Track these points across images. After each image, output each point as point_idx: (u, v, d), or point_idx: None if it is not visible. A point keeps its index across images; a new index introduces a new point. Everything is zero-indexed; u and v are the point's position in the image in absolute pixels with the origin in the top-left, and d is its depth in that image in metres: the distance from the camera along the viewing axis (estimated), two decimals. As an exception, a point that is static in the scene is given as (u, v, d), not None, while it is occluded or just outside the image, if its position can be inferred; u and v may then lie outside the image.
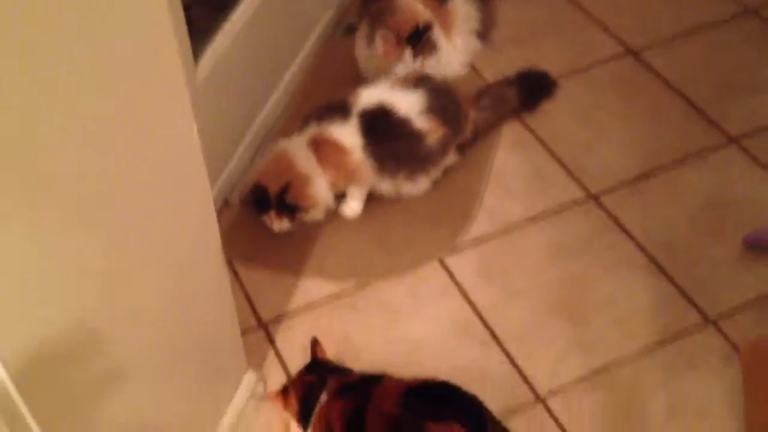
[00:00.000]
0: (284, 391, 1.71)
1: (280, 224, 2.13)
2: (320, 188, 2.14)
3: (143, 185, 1.21)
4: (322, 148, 2.15)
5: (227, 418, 1.77)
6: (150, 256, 1.29)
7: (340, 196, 2.24)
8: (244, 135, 2.35)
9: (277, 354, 1.97)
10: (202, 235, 1.48)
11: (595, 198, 2.31)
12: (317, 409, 1.63)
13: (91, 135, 1.05)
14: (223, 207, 2.29)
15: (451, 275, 2.14)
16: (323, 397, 1.64)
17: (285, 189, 2.08)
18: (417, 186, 2.26)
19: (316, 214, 2.17)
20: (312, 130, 2.17)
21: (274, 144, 2.22)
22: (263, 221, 2.15)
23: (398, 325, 2.04)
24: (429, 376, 1.65)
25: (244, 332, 1.97)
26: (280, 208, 2.10)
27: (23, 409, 1.06)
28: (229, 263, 2.16)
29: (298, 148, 2.15)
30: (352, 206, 2.25)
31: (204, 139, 1.37)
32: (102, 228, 1.14)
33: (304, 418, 1.66)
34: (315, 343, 1.80)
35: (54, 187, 1.00)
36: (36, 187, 0.97)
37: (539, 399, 1.89)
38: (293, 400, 1.69)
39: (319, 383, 1.67)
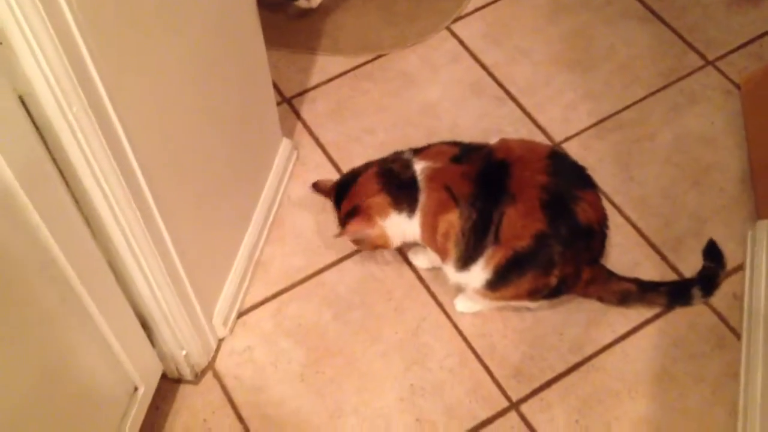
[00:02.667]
0: None
1: None
2: None
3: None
4: None
5: (271, 180, 1.88)
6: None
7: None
8: None
9: (305, 124, 2.07)
10: None
11: (591, -43, 2.37)
12: (425, 177, 1.60)
13: None
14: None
15: (460, 41, 2.22)
16: (421, 165, 1.61)
17: None
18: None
19: None
20: None
21: None
22: (300, 5, 2.16)
23: (415, 89, 2.13)
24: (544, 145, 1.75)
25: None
26: None
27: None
28: (244, 46, 2.20)
29: None
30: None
31: None
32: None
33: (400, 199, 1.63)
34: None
35: None
36: None
37: (556, 145, 2.02)
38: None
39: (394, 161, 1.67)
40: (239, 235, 1.78)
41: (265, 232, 1.87)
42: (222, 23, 1.47)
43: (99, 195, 1.20)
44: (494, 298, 1.67)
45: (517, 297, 1.65)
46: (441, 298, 1.79)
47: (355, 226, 1.64)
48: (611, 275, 1.71)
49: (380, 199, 1.64)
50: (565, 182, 1.58)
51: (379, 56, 2.19)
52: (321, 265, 1.85)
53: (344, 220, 1.66)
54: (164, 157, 1.33)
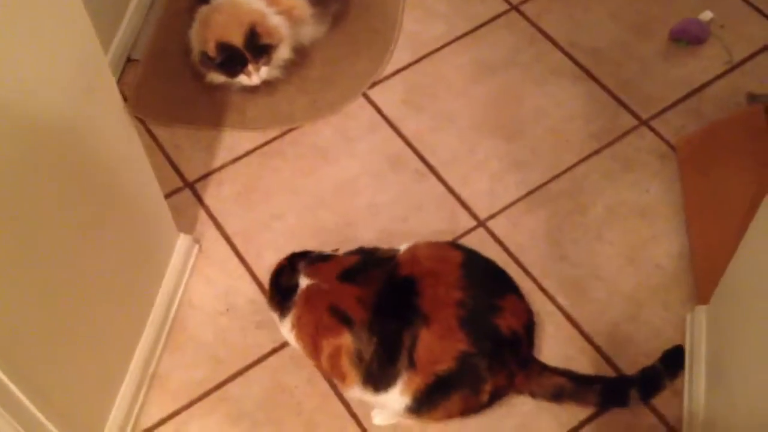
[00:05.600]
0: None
1: (260, 73, 1.99)
2: (279, 21, 2.01)
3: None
4: None
5: (167, 283, 1.72)
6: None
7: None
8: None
9: (208, 212, 1.90)
10: (96, 87, 1.36)
11: (516, 8, 2.22)
12: (301, 299, 1.50)
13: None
14: (127, 64, 2.14)
15: (378, 108, 2.06)
16: (305, 282, 1.50)
17: (253, 32, 1.94)
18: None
19: (285, 51, 2.04)
20: None
21: (204, 7, 2.02)
22: (241, 81, 2.00)
23: (330, 165, 1.97)
24: (455, 247, 1.60)
25: (170, 194, 1.89)
26: (255, 55, 1.96)
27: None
28: (142, 123, 2.04)
29: None
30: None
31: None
32: None
33: (279, 304, 1.53)
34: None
35: None
36: None
37: (480, 223, 1.86)
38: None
39: (289, 267, 1.54)
40: (130, 346, 1.62)
41: (162, 341, 1.70)
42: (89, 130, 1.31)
43: None
44: (422, 422, 1.53)
45: (448, 418, 1.51)
46: (356, 409, 1.63)
47: None
48: (544, 369, 1.58)
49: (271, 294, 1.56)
50: (482, 293, 1.46)
51: (291, 129, 2.03)
52: (224, 376, 1.68)
53: None
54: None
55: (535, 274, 1.78)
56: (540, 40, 2.16)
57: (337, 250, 1.59)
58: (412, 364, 1.42)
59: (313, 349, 1.49)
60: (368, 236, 1.84)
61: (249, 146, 2.01)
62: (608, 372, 1.66)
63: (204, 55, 1.98)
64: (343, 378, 1.48)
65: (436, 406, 1.46)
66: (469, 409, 1.50)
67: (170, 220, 1.73)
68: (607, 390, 1.59)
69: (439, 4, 2.24)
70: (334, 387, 1.66)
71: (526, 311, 1.53)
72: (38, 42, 1.16)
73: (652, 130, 1.98)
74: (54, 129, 1.23)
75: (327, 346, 1.46)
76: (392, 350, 1.42)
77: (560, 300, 1.75)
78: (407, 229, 1.86)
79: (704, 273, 1.73)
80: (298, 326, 1.50)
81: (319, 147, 2.00)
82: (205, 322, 1.74)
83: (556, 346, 1.69)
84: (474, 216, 1.88)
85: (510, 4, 2.22)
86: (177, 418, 1.63)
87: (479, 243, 1.82)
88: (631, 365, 1.66)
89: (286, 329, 1.54)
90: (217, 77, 2.03)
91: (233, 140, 2.02)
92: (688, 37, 2.09)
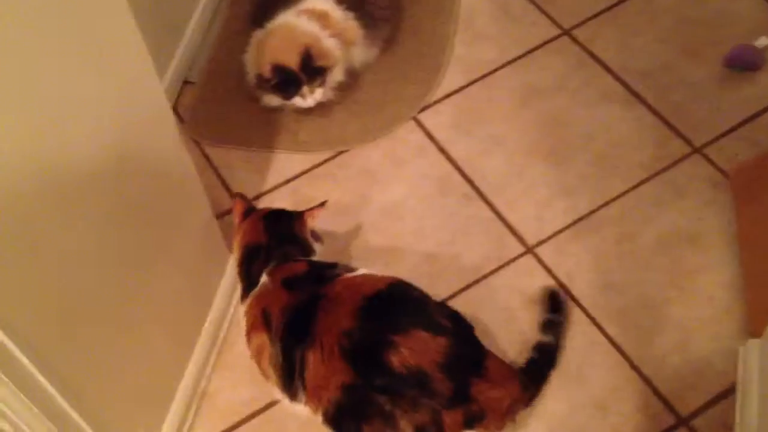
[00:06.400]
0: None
1: (315, 95, 2.03)
2: (332, 44, 2.04)
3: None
4: (313, 14, 2.05)
5: (217, 303, 1.75)
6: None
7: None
8: (193, 8, 2.22)
9: (259, 234, 1.93)
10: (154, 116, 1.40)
11: (568, 32, 2.21)
12: (257, 291, 1.55)
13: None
14: (184, 86, 2.19)
15: (427, 132, 2.07)
16: (264, 278, 1.55)
17: (308, 55, 1.97)
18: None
19: (338, 74, 2.07)
20: (297, 5, 2.07)
21: (259, 31, 2.08)
22: (296, 103, 2.03)
23: (378, 188, 1.99)
24: (389, 279, 1.50)
25: (221, 215, 1.92)
26: (310, 77, 1.99)
27: None
28: (197, 145, 2.08)
29: (295, 19, 2.04)
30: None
31: (151, 17, 1.27)
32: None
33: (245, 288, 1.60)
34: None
35: None
36: None
37: (528, 249, 1.86)
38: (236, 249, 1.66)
39: (264, 254, 1.59)
40: (180, 365, 1.65)
41: (212, 361, 1.73)
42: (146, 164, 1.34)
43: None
44: None
45: None
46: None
47: None
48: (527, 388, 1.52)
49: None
50: (377, 327, 1.41)
51: (341, 152, 2.05)
52: (272, 397, 1.70)
53: None
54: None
55: (583, 302, 1.77)
56: (590, 65, 2.15)
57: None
58: (304, 386, 1.44)
59: (247, 339, 1.54)
60: (414, 260, 1.86)
61: (300, 168, 2.03)
62: (654, 402, 1.64)
63: (260, 77, 2.02)
64: (266, 376, 1.53)
65: None
66: None
67: (221, 240, 1.76)
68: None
69: (489, 28, 2.25)
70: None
71: (437, 349, 1.41)
72: (90, 68, 1.19)
73: (705, 157, 1.96)
74: (108, 156, 1.27)
75: (255, 340, 1.51)
76: (290, 366, 1.45)
77: (608, 329, 1.73)
78: (454, 253, 1.86)
79: (757, 305, 1.70)
80: (246, 314, 1.56)
81: (368, 170, 2.02)
82: (254, 342, 1.77)
83: (605, 376, 1.68)
84: (522, 242, 1.87)
85: (561, 28, 2.22)
86: (223, 439, 1.66)
87: (527, 270, 1.82)
88: (679, 398, 1.64)
89: (245, 306, 1.58)
90: (273, 100, 2.06)
91: (285, 162, 2.05)
92: (743, 64, 2.06)
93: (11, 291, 1.07)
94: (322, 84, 2.02)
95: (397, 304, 1.47)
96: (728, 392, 1.64)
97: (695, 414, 1.62)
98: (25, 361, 1.11)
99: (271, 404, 1.69)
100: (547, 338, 1.66)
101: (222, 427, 1.67)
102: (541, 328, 1.68)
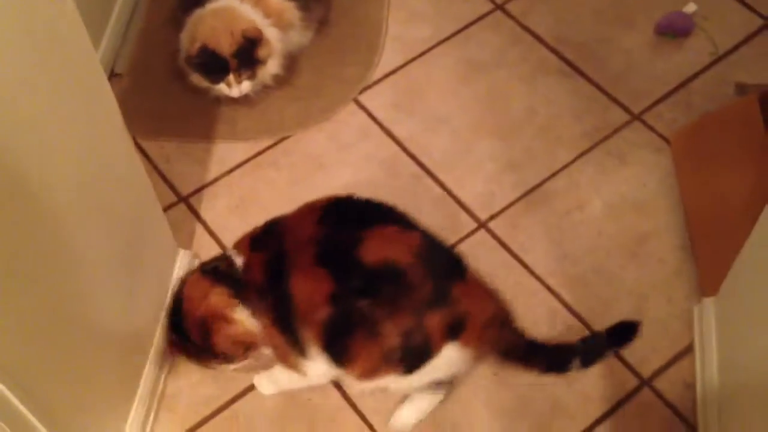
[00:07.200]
0: None
1: (242, 86, 1.95)
2: (273, 34, 1.97)
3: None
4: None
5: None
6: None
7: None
8: (116, -2, 2.14)
9: (206, 226, 1.87)
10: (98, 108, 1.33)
11: (501, 7, 2.22)
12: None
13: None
14: (111, 79, 2.10)
15: (369, 113, 2.04)
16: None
17: (249, 42, 1.89)
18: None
19: (274, 66, 2.00)
20: None
21: (199, 10, 1.98)
22: (221, 90, 1.95)
23: (325, 173, 1.95)
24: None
25: (165, 209, 1.85)
26: (241, 65, 1.91)
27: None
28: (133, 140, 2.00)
29: (237, 3, 1.95)
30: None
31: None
32: None
33: None
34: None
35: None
36: None
37: (481, 224, 1.86)
38: None
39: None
40: (138, 365, 1.58)
41: (169, 360, 1.67)
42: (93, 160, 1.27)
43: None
44: (361, 380, 1.45)
45: (372, 370, 1.41)
46: (371, 418, 1.62)
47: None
48: (505, 323, 1.50)
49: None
50: (343, 227, 1.40)
51: (283, 139, 2.01)
52: (235, 392, 1.65)
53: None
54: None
55: (538, 272, 1.78)
56: (526, 38, 2.16)
57: None
58: (301, 318, 1.38)
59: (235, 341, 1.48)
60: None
61: (241, 157, 1.98)
62: (618, 367, 1.66)
63: (188, 56, 1.95)
64: (275, 350, 1.49)
65: (352, 357, 1.40)
66: (391, 358, 1.38)
67: (170, 236, 1.70)
68: (551, 358, 1.57)
69: (423, 6, 2.23)
70: (347, 398, 1.64)
71: (406, 239, 1.40)
72: (34, 56, 1.12)
73: (645, 123, 1.99)
74: (59, 151, 1.20)
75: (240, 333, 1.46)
76: (284, 312, 1.39)
77: (565, 297, 1.75)
78: (408, 234, 1.84)
79: (707, 265, 1.74)
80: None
81: (312, 155, 1.98)
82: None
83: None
84: (474, 217, 1.87)
85: (495, 3, 2.22)
86: (187, 439, 1.61)
87: (482, 245, 1.82)
88: (640, 361, 1.66)
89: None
90: (200, 80, 1.99)
91: (225, 152, 1.99)
92: (674, 30, 2.11)
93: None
94: (251, 77, 1.96)
95: (359, 207, 1.45)
96: (686, 351, 1.67)
97: (657, 374, 1.65)
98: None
99: (237, 397, 1.64)
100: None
101: (184, 428, 1.62)
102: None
